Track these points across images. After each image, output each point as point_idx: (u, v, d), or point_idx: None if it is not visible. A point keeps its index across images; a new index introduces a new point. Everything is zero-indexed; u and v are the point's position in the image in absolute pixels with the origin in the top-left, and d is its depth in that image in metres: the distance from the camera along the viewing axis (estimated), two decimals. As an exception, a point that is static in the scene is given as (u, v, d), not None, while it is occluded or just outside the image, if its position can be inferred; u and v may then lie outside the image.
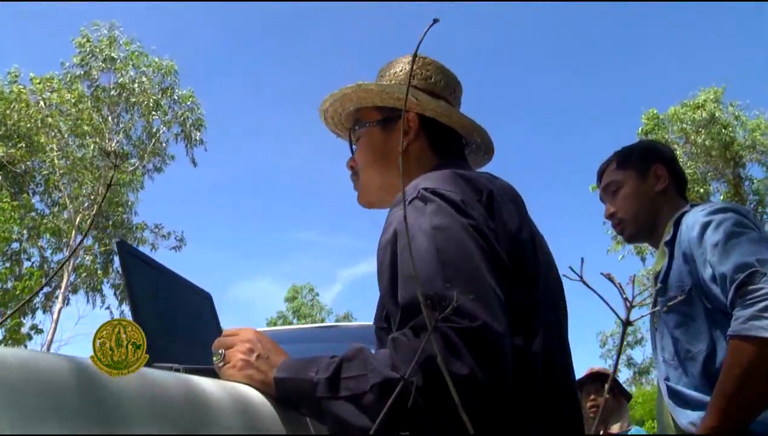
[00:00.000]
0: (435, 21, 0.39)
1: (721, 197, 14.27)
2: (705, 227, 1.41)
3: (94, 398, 0.45)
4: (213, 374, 0.91)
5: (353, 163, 1.25)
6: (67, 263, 11.48)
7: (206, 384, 0.70)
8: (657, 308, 1.51)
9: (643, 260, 15.19)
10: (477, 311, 0.80)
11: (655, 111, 14.86)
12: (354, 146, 1.26)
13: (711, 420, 1.25)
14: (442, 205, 0.92)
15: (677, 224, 1.54)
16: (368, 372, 0.80)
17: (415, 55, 0.40)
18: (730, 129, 14.29)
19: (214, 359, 0.90)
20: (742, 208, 1.47)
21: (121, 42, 13.39)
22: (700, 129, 14.12)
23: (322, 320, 25.81)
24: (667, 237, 1.56)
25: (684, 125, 14.33)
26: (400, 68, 1.23)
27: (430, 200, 0.93)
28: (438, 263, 0.85)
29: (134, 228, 13.06)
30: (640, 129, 14.79)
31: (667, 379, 1.49)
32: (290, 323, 25.71)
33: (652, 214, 1.64)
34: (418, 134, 1.17)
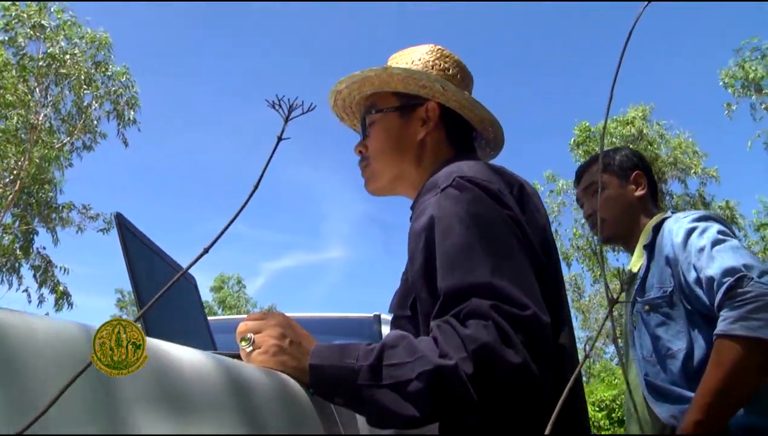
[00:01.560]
0: (648, 2, 0.38)
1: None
2: (690, 232, 1.48)
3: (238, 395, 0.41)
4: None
5: (363, 148, 1.22)
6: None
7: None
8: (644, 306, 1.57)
9: (569, 265, 15.86)
10: (526, 301, 0.80)
11: (588, 123, 15.49)
12: (366, 132, 1.23)
13: (695, 414, 1.31)
14: (481, 194, 0.91)
15: (657, 229, 1.61)
16: (414, 360, 0.78)
17: (628, 39, 0.38)
18: (655, 146, 15.12)
19: (243, 344, 0.85)
20: (721, 218, 1.56)
21: (52, 9, 12.54)
22: (628, 144, 14.86)
23: (247, 312, 25.26)
24: (646, 241, 1.62)
25: (614, 139, 15.02)
26: (419, 57, 1.21)
27: (467, 189, 0.92)
28: (482, 252, 0.84)
29: (60, 208, 12.26)
30: (572, 140, 15.37)
31: (646, 375, 1.55)
32: (215, 314, 25.04)
33: (630, 218, 1.71)
34: (437, 125, 1.16)
